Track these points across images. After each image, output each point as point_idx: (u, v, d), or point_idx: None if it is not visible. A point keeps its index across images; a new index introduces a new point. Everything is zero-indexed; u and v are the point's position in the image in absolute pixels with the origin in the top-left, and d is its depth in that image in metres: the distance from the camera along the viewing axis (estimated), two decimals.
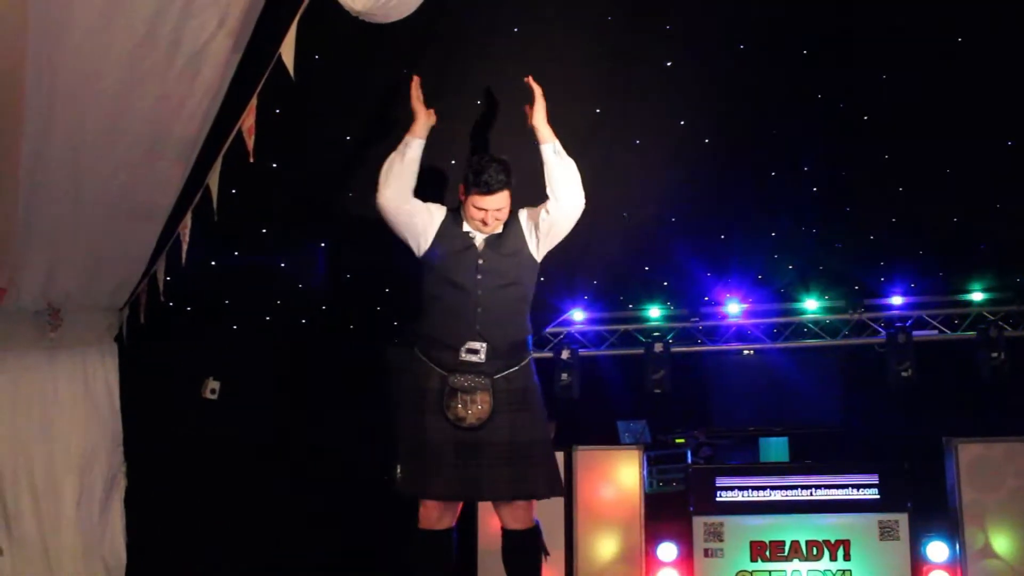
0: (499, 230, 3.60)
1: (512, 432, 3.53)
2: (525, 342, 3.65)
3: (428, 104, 3.64)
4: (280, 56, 3.05)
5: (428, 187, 3.73)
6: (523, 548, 3.66)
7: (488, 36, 3.88)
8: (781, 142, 4.68)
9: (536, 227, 3.61)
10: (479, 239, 3.60)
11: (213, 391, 5.33)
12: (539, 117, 3.57)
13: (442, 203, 3.71)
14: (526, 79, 3.60)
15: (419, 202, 3.64)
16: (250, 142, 3.33)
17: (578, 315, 6.28)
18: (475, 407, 3.49)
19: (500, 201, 3.52)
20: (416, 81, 3.62)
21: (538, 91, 3.58)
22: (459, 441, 3.51)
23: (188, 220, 3.92)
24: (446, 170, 4.09)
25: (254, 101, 3.30)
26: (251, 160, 3.34)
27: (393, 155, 3.60)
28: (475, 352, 3.51)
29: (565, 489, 5.37)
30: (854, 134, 4.70)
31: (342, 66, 3.79)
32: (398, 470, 3.60)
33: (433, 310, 3.61)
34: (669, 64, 4.13)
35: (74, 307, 4.73)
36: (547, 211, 3.58)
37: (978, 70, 4.35)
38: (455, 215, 3.65)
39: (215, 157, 3.58)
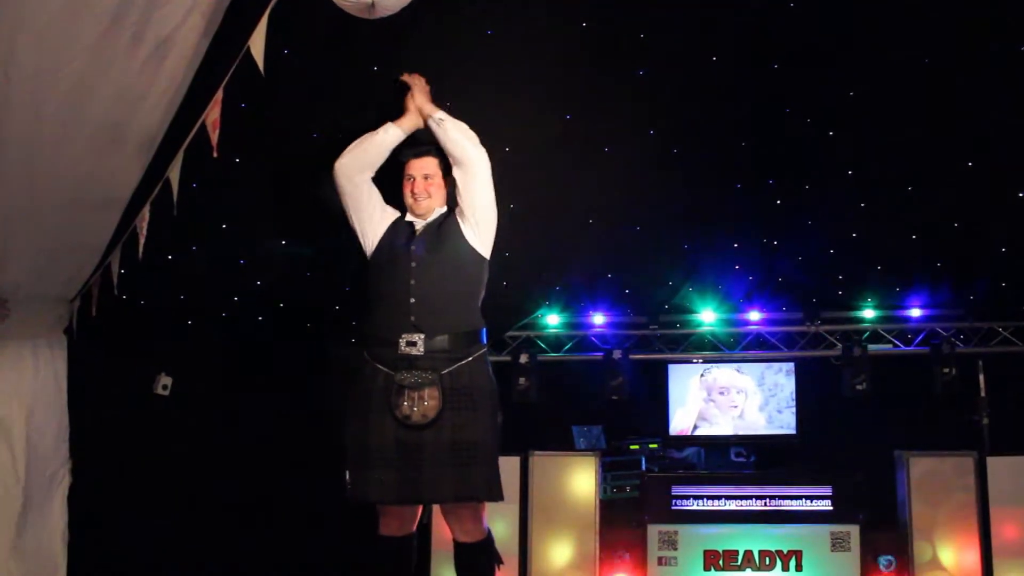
0: (435, 211, 3.62)
1: (454, 431, 3.45)
2: (471, 335, 3.56)
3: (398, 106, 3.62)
4: (249, 49, 2.99)
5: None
6: (473, 562, 3.61)
7: (461, 38, 3.84)
8: (748, 154, 4.71)
9: (462, 212, 3.60)
10: (419, 225, 3.62)
11: (165, 387, 5.21)
12: (420, 98, 3.60)
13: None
14: (403, 77, 3.63)
15: (374, 189, 3.67)
16: (214, 136, 3.25)
17: (538, 319, 6.26)
18: (422, 404, 3.42)
19: (428, 166, 3.59)
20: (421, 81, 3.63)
21: (419, 80, 3.62)
22: (401, 441, 3.43)
23: (146, 213, 3.82)
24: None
25: (219, 94, 3.22)
26: (215, 154, 3.27)
27: (369, 133, 3.63)
28: (413, 344, 3.45)
29: (521, 494, 5.37)
30: (819, 149, 4.74)
31: (312, 61, 3.73)
32: (347, 477, 3.54)
33: (373, 307, 3.62)
34: (641, 73, 4.12)
35: (23, 297, 4.58)
36: (458, 182, 3.59)
37: (942, 91, 4.41)
38: (403, 217, 3.67)
39: (177, 149, 3.50)
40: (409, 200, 3.63)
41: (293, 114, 3.94)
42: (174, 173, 3.53)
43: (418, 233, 3.61)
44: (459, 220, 3.62)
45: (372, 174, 3.64)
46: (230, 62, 3.14)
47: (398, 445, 3.44)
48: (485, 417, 3.53)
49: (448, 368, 3.47)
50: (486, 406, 3.54)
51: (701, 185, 4.84)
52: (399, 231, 3.66)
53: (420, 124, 3.64)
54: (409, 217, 3.67)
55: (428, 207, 3.62)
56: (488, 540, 3.62)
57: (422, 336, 3.46)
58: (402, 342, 3.46)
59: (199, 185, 3.86)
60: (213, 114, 3.26)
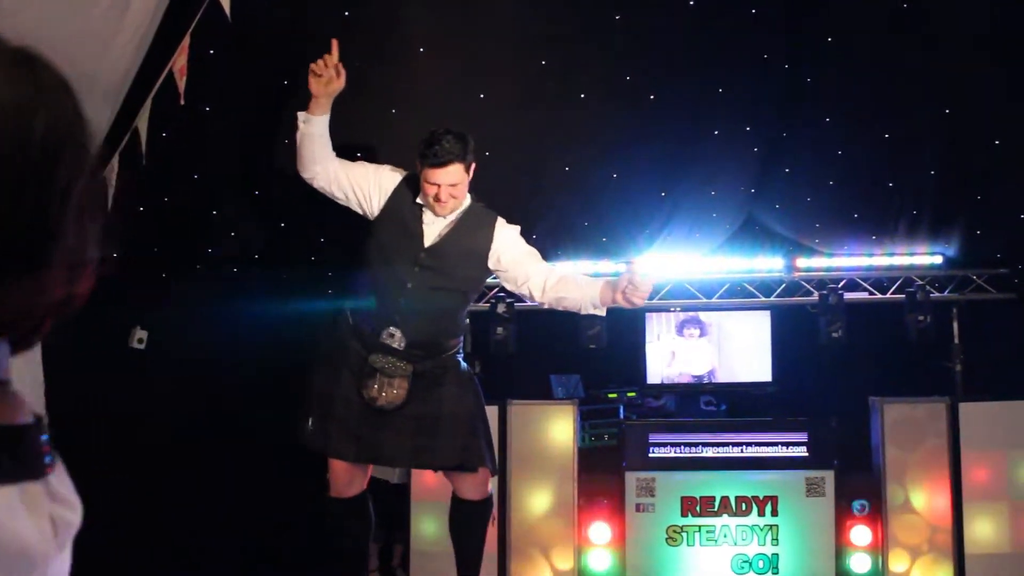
0: (455, 211, 3.44)
1: (422, 405, 3.47)
2: (453, 334, 3.55)
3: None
4: None
5: (384, 145, 3.64)
6: (468, 519, 3.62)
7: None
8: (726, 101, 4.67)
9: (499, 259, 3.51)
10: (433, 227, 3.44)
11: (140, 340, 5.17)
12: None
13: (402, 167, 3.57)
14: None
15: (347, 163, 3.48)
16: (181, 84, 3.20)
17: None
18: (390, 391, 3.41)
19: (453, 175, 3.32)
20: (334, 46, 3.33)
21: None
22: (365, 405, 3.46)
23: (115, 164, 3.75)
24: (391, 123, 3.98)
25: (186, 41, 3.16)
26: (182, 102, 3.21)
27: (297, 136, 3.43)
28: (393, 337, 3.42)
29: (499, 443, 5.39)
30: (797, 96, 4.71)
31: (280, 6, 3.64)
32: (308, 423, 3.52)
33: (366, 280, 3.52)
34: (618, 17, 4.06)
35: None
36: (527, 283, 3.50)
37: (920, 38, 4.38)
38: (413, 183, 3.48)
39: (145, 98, 3.43)
40: (432, 204, 3.39)
41: (262, 61, 3.87)
42: (142, 123, 3.47)
43: (434, 234, 3.44)
44: (492, 241, 3.48)
45: (331, 155, 3.44)
46: (197, 7, 3.07)
47: (362, 407, 3.45)
48: (456, 391, 3.53)
49: (423, 363, 3.47)
50: (459, 382, 3.54)
51: (678, 132, 4.81)
52: (408, 208, 3.45)
53: (335, 90, 3.37)
54: (420, 202, 3.44)
55: (453, 207, 3.43)
56: (488, 501, 3.63)
57: (403, 335, 3.43)
58: (383, 332, 3.43)
59: (168, 134, 3.79)
60: (180, 61, 3.20)
